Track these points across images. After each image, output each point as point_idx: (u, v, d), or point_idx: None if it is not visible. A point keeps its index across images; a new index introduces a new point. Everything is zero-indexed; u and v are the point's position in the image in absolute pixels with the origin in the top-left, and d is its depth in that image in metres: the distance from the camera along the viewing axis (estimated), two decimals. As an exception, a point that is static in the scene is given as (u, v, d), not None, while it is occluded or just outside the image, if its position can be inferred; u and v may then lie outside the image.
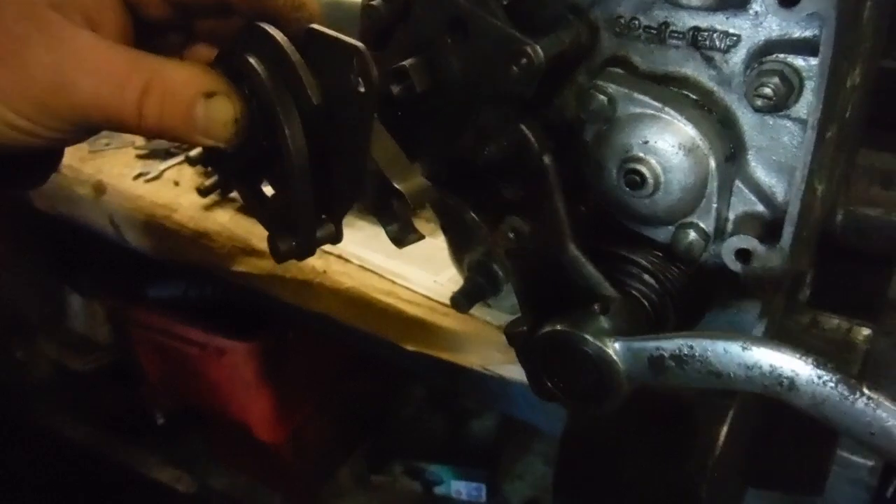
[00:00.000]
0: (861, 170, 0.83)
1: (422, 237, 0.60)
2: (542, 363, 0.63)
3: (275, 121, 0.53)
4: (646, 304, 0.63)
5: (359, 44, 0.52)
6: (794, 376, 0.51)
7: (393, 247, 0.61)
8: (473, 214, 0.68)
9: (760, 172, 0.60)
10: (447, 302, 1.10)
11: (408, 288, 1.21)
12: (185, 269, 1.50)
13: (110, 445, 2.30)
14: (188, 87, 0.53)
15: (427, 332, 1.16)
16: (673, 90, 0.59)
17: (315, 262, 1.26)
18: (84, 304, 2.35)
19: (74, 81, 0.50)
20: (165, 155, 1.59)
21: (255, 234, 1.34)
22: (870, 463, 0.86)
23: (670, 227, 0.63)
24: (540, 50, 0.55)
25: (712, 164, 0.58)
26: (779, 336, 0.67)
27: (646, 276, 0.64)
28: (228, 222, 1.39)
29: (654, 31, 0.59)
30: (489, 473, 2.16)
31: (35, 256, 2.25)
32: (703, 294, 0.66)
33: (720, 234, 0.62)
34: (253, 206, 0.61)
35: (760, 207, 0.60)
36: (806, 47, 0.54)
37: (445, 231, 0.95)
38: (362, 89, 0.52)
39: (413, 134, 0.60)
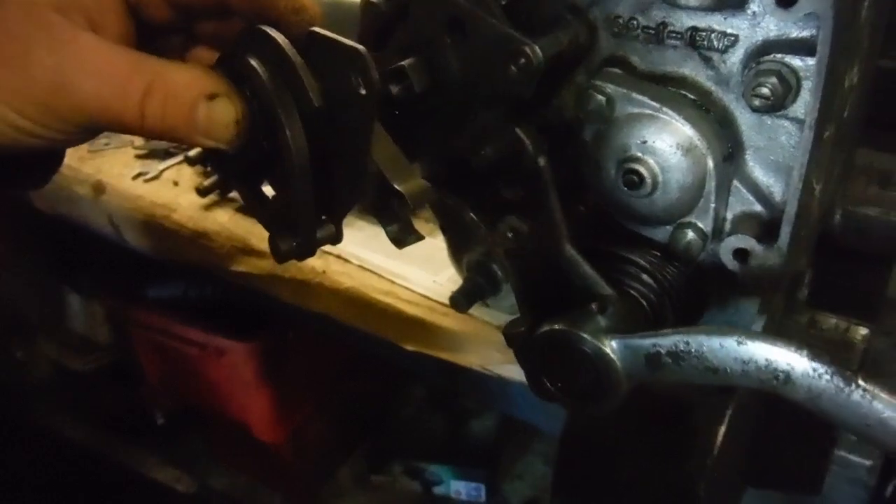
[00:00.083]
0: (859, 169, 0.84)
1: (421, 238, 0.60)
2: (540, 363, 0.63)
3: (276, 122, 0.54)
4: (644, 303, 0.63)
5: (360, 47, 0.52)
6: (789, 370, 0.51)
7: (392, 247, 0.61)
8: (472, 214, 0.68)
9: (758, 172, 0.60)
10: (446, 302, 1.10)
11: (407, 288, 1.21)
12: (185, 269, 1.51)
13: (110, 445, 2.30)
14: (190, 88, 0.53)
15: (426, 332, 1.16)
16: (671, 90, 0.59)
17: (315, 262, 1.26)
18: (84, 304, 2.35)
19: (77, 83, 0.50)
20: (164, 155, 1.59)
21: (255, 233, 1.34)
22: (868, 462, 0.86)
23: (668, 227, 0.63)
24: (538, 50, 0.55)
25: (710, 163, 0.58)
26: (777, 335, 0.67)
27: (644, 276, 0.64)
28: (228, 222, 1.39)
29: (653, 31, 0.59)
30: (489, 473, 2.16)
31: (35, 256, 2.25)
32: (701, 293, 0.67)
33: (718, 233, 0.62)
34: (253, 207, 0.61)
35: (758, 207, 0.61)
36: (803, 47, 0.54)
37: (444, 231, 0.95)
38: (363, 92, 0.52)
39: (412, 134, 0.60)
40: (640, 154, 0.59)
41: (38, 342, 2.40)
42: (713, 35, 0.57)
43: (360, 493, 2.25)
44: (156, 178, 1.53)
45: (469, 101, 0.61)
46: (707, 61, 0.58)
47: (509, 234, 0.65)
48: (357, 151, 0.55)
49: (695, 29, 0.57)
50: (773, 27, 0.55)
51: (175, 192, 1.49)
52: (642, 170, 0.59)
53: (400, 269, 1.23)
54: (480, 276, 0.81)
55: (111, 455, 2.27)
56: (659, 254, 0.65)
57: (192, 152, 1.41)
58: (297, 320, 1.48)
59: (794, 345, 0.52)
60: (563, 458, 0.80)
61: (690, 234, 0.61)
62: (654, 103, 0.58)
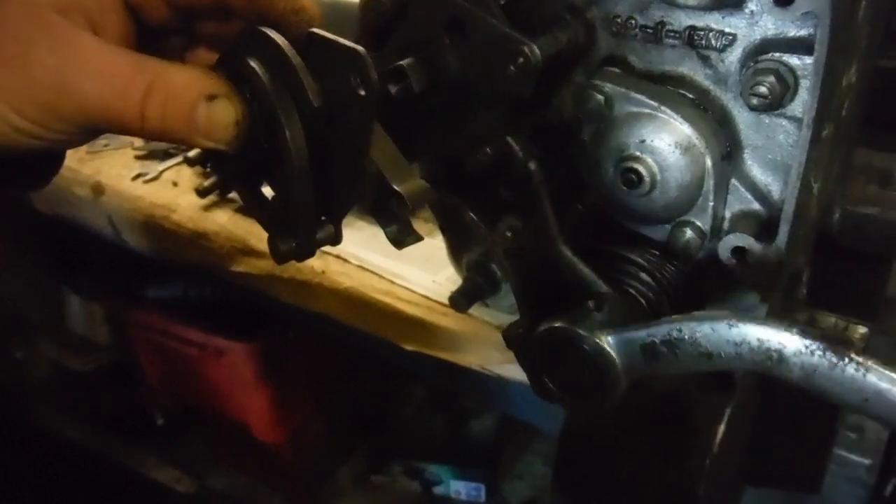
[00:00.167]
0: (858, 168, 0.84)
1: (420, 239, 0.60)
2: (540, 362, 0.63)
3: (275, 123, 0.54)
4: (643, 301, 0.64)
5: (359, 47, 0.52)
6: (781, 348, 0.51)
7: (392, 247, 0.61)
8: (472, 214, 0.69)
9: (756, 171, 0.60)
10: (446, 302, 1.10)
11: (407, 288, 1.21)
12: (184, 270, 1.51)
13: (110, 446, 2.30)
14: (190, 89, 0.53)
15: (426, 332, 1.16)
16: (669, 89, 0.60)
17: (314, 262, 1.27)
18: (83, 305, 2.35)
19: (77, 84, 0.51)
20: (164, 156, 1.59)
21: (254, 234, 1.34)
22: (867, 461, 0.86)
23: (667, 226, 0.63)
24: (537, 49, 0.55)
25: (708, 162, 0.58)
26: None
27: (643, 275, 0.64)
28: (227, 223, 1.39)
29: (651, 31, 0.59)
30: (488, 473, 2.16)
31: (35, 257, 2.25)
32: (699, 292, 0.67)
33: (716, 232, 0.62)
34: (253, 208, 0.62)
35: (756, 206, 0.61)
36: (801, 46, 0.54)
37: (444, 231, 0.96)
38: (362, 92, 0.52)
39: (411, 134, 0.60)
40: (638, 153, 0.59)
41: (38, 342, 2.40)
42: (711, 34, 0.57)
43: (359, 493, 2.25)
44: (155, 178, 1.53)
45: (468, 100, 0.61)
46: (705, 60, 0.58)
47: (508, 234, 0.65)
48: (356, 152, 0.55)
49: (693, 28, 0.57)
50: (771, 26, 0.55)
51: (174, 192, 1.49)
52: (641, 169, 0.59)
53: (399, 269, 1.23)
54: (479, 275, 0.81)
55: (111, 455, 2.27)
56: (657, 252, 0.65)
57: (192, 153, 1.41)
58: (297, 320, 1.48)
59: (784, 323, 0.52)
60: (563, 458, 0.80)
61: (689, 233, 0.61)
62: (652, 102, 0.58)
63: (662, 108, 0.58)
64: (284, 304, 1.33)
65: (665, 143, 0.58)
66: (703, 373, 0.61)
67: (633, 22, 0.59)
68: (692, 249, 0.62)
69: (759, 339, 0.52)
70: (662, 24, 0.58)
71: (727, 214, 0.62)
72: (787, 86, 0.55)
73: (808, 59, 0.54)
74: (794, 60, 0.54)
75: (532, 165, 0.61)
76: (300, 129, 0.54)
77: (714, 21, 0.57)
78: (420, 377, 2.11)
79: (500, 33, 0.56)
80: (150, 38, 0.59)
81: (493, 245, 0.68)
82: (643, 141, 0.59)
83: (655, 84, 0.60)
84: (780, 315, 0.71)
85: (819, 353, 0.50)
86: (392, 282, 1.22)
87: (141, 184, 1.52)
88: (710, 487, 0.70)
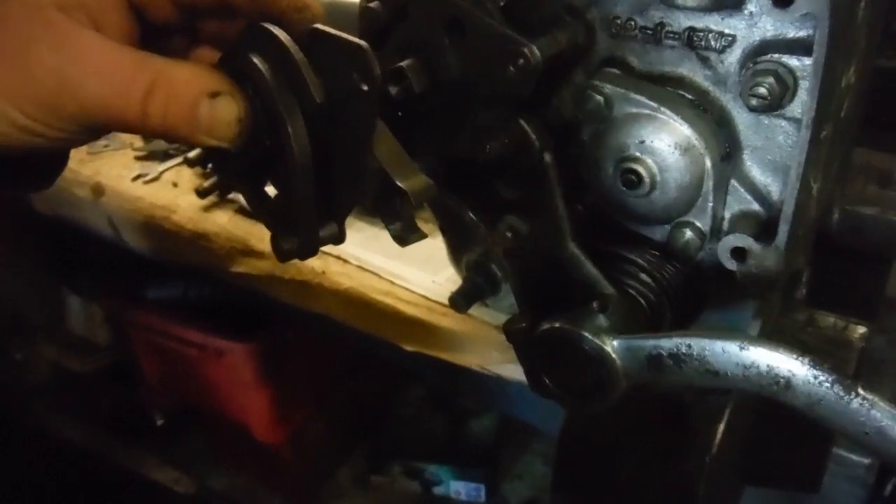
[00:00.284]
0: (858, 169, 0.84)
1: (425, 236, 0.59)
2: (540, 360, 0.63)
3: (278, 120, 0.53)
4: (643, 302, 0.64)
5: (362, 43, 0.52)
6: (790, 376, 0.52)
7: (392, 247, 0.61)
8: (472, 214, 0.69)
9: (756, 171, 0.60)
10: (446, 302, 1.10)
11: (406, 288, 1.21)
12: (184, 271, 1.51)
13: (109, 446, 2.30)
14: (192, 86, 0.53)
15: (426, 332, 1.16)
16: (669, 90, 0.60)
17: (314, 262, 1.27)
18: (83, 306, 2.35)
19: (79, 82, 0.50)
20: (164, 156, 1.59)
21: (254, 234, 1.34)
22: (867, 461, 0.86)
23: (667, 226, 0.63)
24: (537, 50, 0.55)
25: (708, 163, 0.58)
26: (775, 334, 0.67)
27: (643, 275, 0.64)
28: (227, 223, 1.39)
29: (650, 32, 0.59)
30: (488, 473, 2.17)
31: (34, 257, 2.25)
32: (699, 292, 0.67)
33: (716, 232, 0.62)
34: (256, 206, 0.61)
35: (756, 206, 0.61)
36: (800, 47, 0.54)
37: (444, 231, 0.95)
38: (365, 88, 0.52)
39: (411, 134, 0.60)
40: (638, 154, 0.59)
41: (38, 343, 2.40)
42: (710, 35, 0.57)
43: (359, 493, 2.25)
44: (155, 179, 1.53)
45: (468, 101, 0.61)
46: (704, 61, 0.58)
47: (509, 234, 0.65)
48: (359, 148, 0.54)
49: (692, 29, 0.58)
50: (770, 27, 0.55)
51: (174, 193, 1.49)
52: (640, 169, 0.59)
53: (399, 269, 1.23)
54: (479, 276, 0.81)
55: (111, 456, 2.27)
56: (657, 253, 0.65)
57: (192, 154, 1.41)
58: (297, 321, 1.48)
59: (796, 352, 0.52)
60: (563, 458, 0.80)
61: (688, 234, 0.62)
62: (652, 103, 0.58)
63: (662, 108, 0.58)
64: (284, 304, 1.33)
65: (665, 143, 0.58)
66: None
67: (633, 23, 0.59)
68: (692, 250, 0.62)
69: (768, 365, 0.53)
70: (662, 25, 0.58)
71: (727, 215, 0.62)
72: (786, 87, 0.55)
73: (808, 61, 0.54)
74: (793, 61, 0.55)
75: (548, 157, 0.61)
76: (303, 125, 0.53)
77: (713, 22, 0.57)
78: (420, 377, 2.11)
79: (499, 34, 0.57)
80: (153, 37, 0.59)
81: (494, 245, 0.68)
82: (643, 142, 0.59)
83: (655, 85, 0.60)
84: (779, 315, 0.71)
85: (827, 384, 0.51)
86: (392, 282, 1.22)
87: (141, 184, 1.52)
88: (709, 487, 0.70)
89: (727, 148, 0.60)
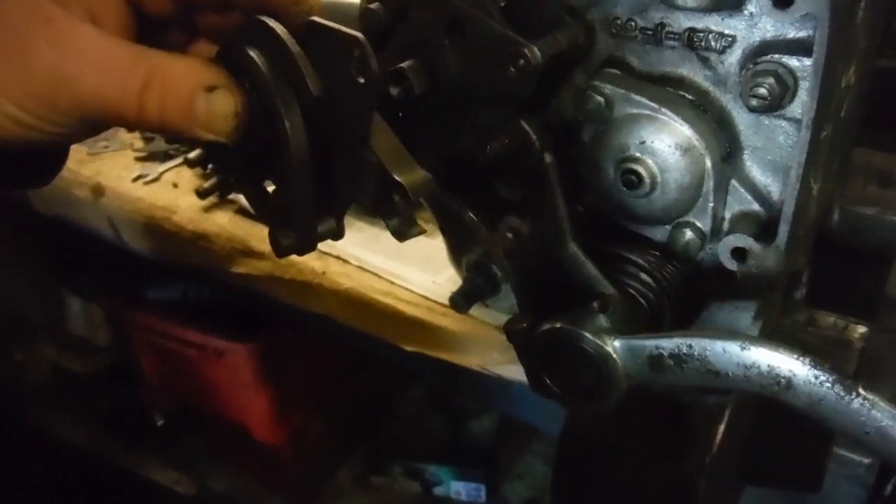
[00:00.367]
0: (857, 169, 0.84)
1: (423, 231, 0.59)
2: (541, 361, 0.63)
3: (275, 114, 0.53)
4: (643, 302, 0.64)
5: (359, 35, 0.51)
6: (791, 376, 0.52)
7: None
8: (472, 215, 0.69)
9: (756, 172, 0.60)
10: (446, 302, 1.10)
11: (407, 288, 1.21)
12: (185, 271, 1.51)
13: (110, 447, 2.30)
14: (189, 80, 0.52)
15: (426, 333, 1.16)
16: (669, 91, 0.60)
17: (314, 263, 1.27)
18: (83, 306, 2.35)
19: (76, 75, 0.50)
20: (164, 157, 1.59)
21: (254, 235, 1.34)
22: (867, 460, 0.86)
23: (667, 227, 0.63)
24: (537, 51, 0.55)
25: (708, 163, 0.58)
26: (775, 334, 0.67)
27: (643, 275, 0.64)
28: (227, 224, 1.39)
29: (651, 33, 0.59)
30: (488, 474, 2.17)
31: (34, 258, 2.25)
32: (699, 293, 0.67)
33: (716, 233, 0.62)
34: (254, 201, 0.61)
35: (756, 206, 0.61)
36: (800, 48, 0.54)
37: (444, 232, 0.95)
38: (362, 81, 0.51)
39: (411, 134, 0.60)
40: (638, 154, 0.59)
41: (38, 344, 2.40)
42: (711, 36, 0.57)
43: (359, 493, 2.25)
44: (155, 180, 1.53)
45: (468, 101, 0.61)
46: (705, 62, 0.58)
47: (509, 235, 0.65)
48: (356, 142, 0.54)
49: (692, 30, 0.58)
50: (771, 28, 0.55)
51: (175, 194, 1.49)
52: (641, 170, 0.59)
53: (399, 269, 1.23)
54: (480, 276, 0.81)
55: (111, 457, 2.27)
56: (657, 253, 0.65)
57: (192, 154, 1.41)
58: (297, 321, 1.48)
59: (797, 352, 0.52)
60: (563, 458, 0.80)
61: (689, 234, 0.62)
62: (652, 104, 0.58)
63: (662, 109, 0.58)
64: (284, 304, 1.33)
65: (665, 144, 0.58)
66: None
67: (633, 24, 0.59)
68: (692, 250, 0.62)
69: (769, 365, 0.53)
70: (662, 25, 0.58)
71: (727, 215, 0.62)
72: (786, 87, 0.55)
73: (808, 61, 0.54)
74: (793, 62, 0.55)
75: (548, 158, 0.61)
76: (300, 119, 0.53)
77: (713, 23, 0.57)
78: (420, 378, 2.11)
79: (500, 35, 0.57)
80: (150, 31, 0.59)
81: (494, 246, 0.68)
82: (643, 142, 0.59)
83: (655, 85, 0.60)
84: (779, 315, 0.71)
85: (828, 384, 0.51)
86: (392, 282, 1.22)
87: (141, 185, 1.52)
88: (709, 487, 0.70)
89: (727, 148, 0.60)
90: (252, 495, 2.23)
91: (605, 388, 0.60)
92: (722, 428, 0.69)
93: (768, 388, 0.53)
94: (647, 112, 0.59)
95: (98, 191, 1.52)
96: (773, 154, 0.59)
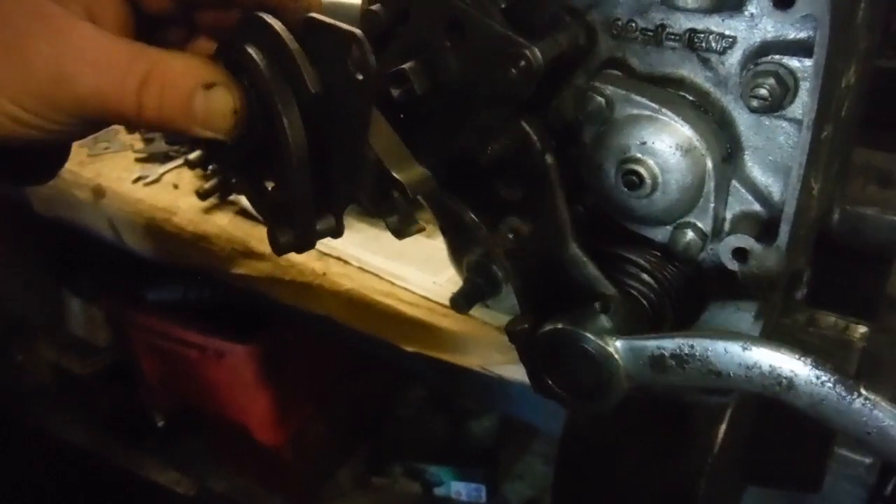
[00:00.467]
0: (857, 169, 0.84)
1: (422, 229, 0.59)
2: (543, 361, 0.63)
3: (273, 111, 0.53)
4: (645, 303, 0.64)
5: (357, 31, 0.51)
6: (792, 376, 0.52)
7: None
8: (473, 215, 0.69)
9: (757, 172, 0.60)
10: (446, 303, 1.10)
11: (407, 289, 1.21)
12: (185, 272, 1.51)
13: (110, 448, 2.30)
14: (187, 77, 0.52)
15: (427, 333, 1.16)
16: (670, 91, 0.60)
17: (315, 264, 1.27)
18: (83, 307, 2.35)
19: (74, 73, 0.50)
20: (164, 158, 1.60)
21: (255, 236, 1.34)
22: (868, 460, 0.86)
23: (668, 227, 0.63)
24: (538, 52, 0.55)
25: (709, 164, 0.59)
26: (775, 334, 0.67)
27: (644, 276, 0.64)
28: (228, 225, 1.39)
29: (651, 34, 0.59)
30: (489, 474, 2.17)
31: (35, 259, 2.25)
32: (700, 293, 0.67)
33: (717, 233, 0.62)
34: (253, 199, 0.61)
35: (757, 207, 0.61)
36: (801, 48, 0.54)
37: (444, 232, 0.96)
38: (360, 77, 0.51)
39: (412, 135, 0.60)
40: (639, 155, 0.59)
41: (38, 345, 2.40)
42: (711, 37, 0.57)
43: (360, 494, 2.25)
44: (156, 181, 1.53)
45: (469, 102, 0.61)
46: (705, 63, 0.58)
47: (510, 235, 0.65)
48: (355, 139, 0.54)
49: (693, 31, 0.58)
50: (771, 28, 0.55)
51: (175, 195, 1.49)
52: (642, 170, 0.59)
53: (400, 270, 1.23)
54: (480, 277, 0.81)
55: (111, 458, 2.27)
56: (659, 254, 0.65)
57: (193, 155, 1.41)
58: (298, 322, 1.48)
59: (798, 352, 0.52)
60: (564, 458, 0.80)
61: (690, 234, 0.62)
62: (653, 104, 0.58)
63: (663, 110, 0.58)
64: (285, 305, 1.33)
65: (666, 144, 0.58)
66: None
67: (634, 25, 0.59)
68: (693, 251, 0.62)
69: (771, 365, 0.53)
70: (663, 26, 0.58)
71: (728, 216, 0.62)
72: (787, 88, 0.55)
73: (808, 62, 0.54)
74: (793, 62, 0.55)
75: (549, 159, 0.61)
76: (298, 116, 0.53)
77: (714, 24, 0.57)
78: (420, 378, 2.11)
79: (501, 36, 0.57)
80: (149, 28, 0.59)
81: (495, 246, 0.68)
82: (644, 143, 0.59)
83: (656, 86, 0.60)
84: (780, 315, 0.71)
85: (829, 385, 0.51)
86: (393, 283, 1.22)
87: (141, 186, 1.52)
88: (710, 487, 0.70)
89: (728, 149, 0.60)
90: (252, 496, 2.23)
91: (606, 389, 0.60)
92: (723, 428, 0.69)
93: (770, 388, 0.53)
94: (647, 113, 0.59)
95: (98, 192, 1.52)
96: (773, 154, 0.59)
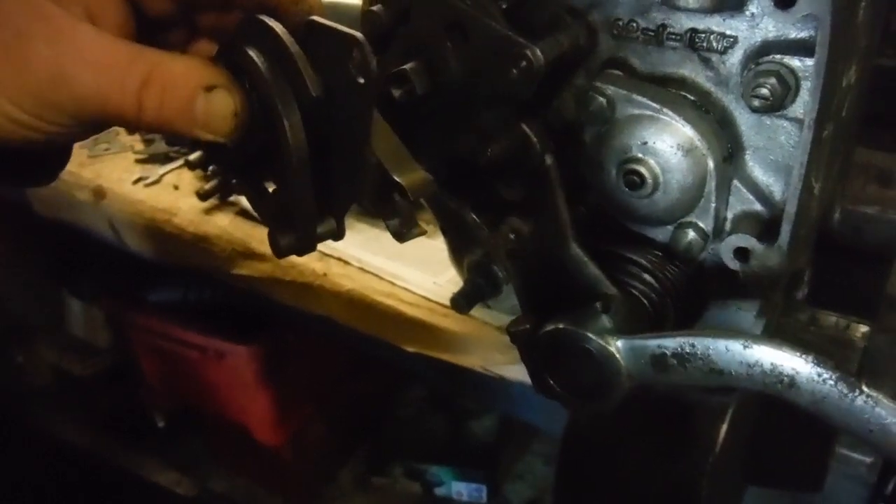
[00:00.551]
0: (858, 168, 0.84)
1: (423, 232, 0.59)
2: (544, 361, 0.63)
3: (274, 114, 0.53)
4: (646, 302, 0.64)
5: (358, 34, 0.51)
6: (794, 374, 0.52)
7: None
8: (474, 216, 0.69)
9: (758, 172, 0.60)
10: (447, 303, 1.10)
11: (408, 290, 1.21)
12: (185, 273, 1.51)
13: (110, 449, 2.30)
14: (188, 79, 0.52)
15: (427, 334, 1.16)
16: (671, 91, 0.60)
17: (315, 264, 1.27)
18: (84, 308, 2.35)
19: (74, 74, 0.50)
20: (165, 159, 1.60)
21: (255, 237, 1.34)
22: (869, 459, 0.86)
23: (669, 227, 0.63)
24: (539, 53, 0.55)
25: (710, 164, 0.59)
26: (777, 334, 0.68)
27: (645, 276, 0.64)
28: (228, 226, 1.39)
29: (652, 34, 0.59)
30: (490, 474, 2.17)
31: (35, 260, 2.25)
32: (702, 293, 0.67)
33: (719, 233, 0.62)
34: (254, 202, 0.61)
35: (758, 206, 0.61)
36: (802, 48, 0.54)
37: (445, 232, 0.96)
38: (361, 80, 0.51)
39: (413, 136, 0.60)
40: (640, 155, 0.59)
41: (38, 346, 2.40)
42: (712, 36, 0.57)
43: (360, 494, 2.25)
44: (156, 182, 1.53)
45: (470, 103, 0.61)
46: (706, 62, 0.58)
47: (511, 235, 0.65)
48: (356, 142, 0.54)
49: (694, 31, 0.58)
50: (772, 28, 0.55)
51: (175, 196, 1.49)
52: (643, 170, 0.59)
53: (401, 270, 1.23)
54: (481, 277, 0.81)
55: (111, 458, 2.27)
56: (660, 254, 0.65)
57: (193, 156, 1.41)
58: (298, 322, 1.48)
59: (800, 350, 0.52)
60: (566, 458, 0.80)
61: (691, 234, 0.62)
62: (654, 104, 0.59)
63: (664, 110, 0.58)
64: (285, 306, 1.33)
65: (667, 144, 0.59)
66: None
67: (635, 25, 0.59)
68: (694, 250, 0.62)
69: (772, 363, 0.53)
70: (664, 26, 0.58)
71: (729, 215, 0.62)
72: (788, 87, 0.55)
73: (809, 61, 0.54)
74: (794, 62, 0.55)
75: (549, 160, 0.61)
76: (299, 119, 0.53)
77: (715, 24, 0.57)
78: (421, 378, 2.11)
79: (501, 36, 0.57)
80: (150, 30, 0.59)
81: (496, 246, 0.68)
82: (645, 143, 0.59)
83: (657, 86, 0.60)
84: (781, 314, 0.71)
85: (831, 382, 0.51)
86: (393, 284, 1.22)
87: (142, 187, 1.52)
88: (712, 487, 0.70)
89: (729, 148, 0.60)
90: (252, 496, 2.23)
91: (607, 389, 0.60)
92: (725, 428, 0.69)
93: (771, 386, 0.53)
94: (648, 113, 0.59)
95: (99, 193, 1.52)
96: (774, 154, 0.59)
